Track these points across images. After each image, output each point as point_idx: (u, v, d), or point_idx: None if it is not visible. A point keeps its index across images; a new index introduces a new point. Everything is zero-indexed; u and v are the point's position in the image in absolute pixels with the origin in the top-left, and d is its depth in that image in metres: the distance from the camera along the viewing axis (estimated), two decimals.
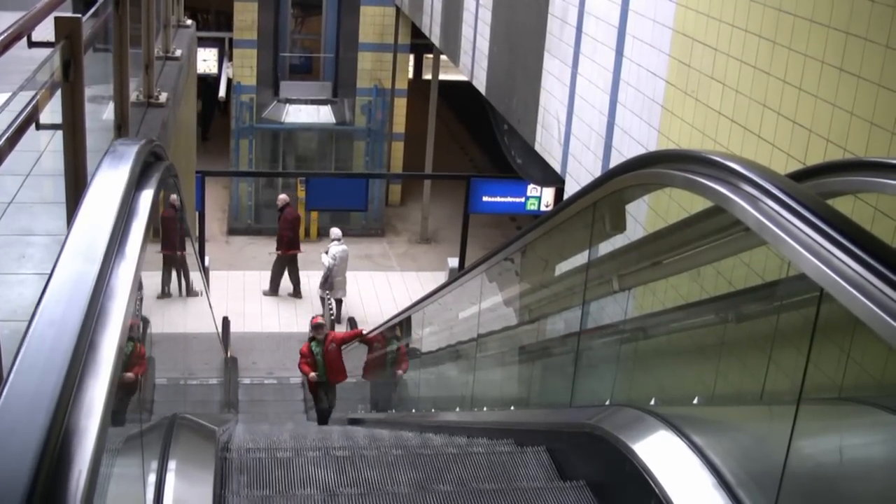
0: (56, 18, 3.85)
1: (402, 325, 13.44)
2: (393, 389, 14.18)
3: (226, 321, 18.14)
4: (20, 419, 1.66)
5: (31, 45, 3.70)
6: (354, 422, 12.83)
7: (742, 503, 3.29)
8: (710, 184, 3.52)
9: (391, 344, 14.27)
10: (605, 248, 5.75)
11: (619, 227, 5.26)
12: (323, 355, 14.68)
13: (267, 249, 24.14)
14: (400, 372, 13.80)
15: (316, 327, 14.81)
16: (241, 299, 21.15)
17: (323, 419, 14.91)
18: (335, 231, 20.62)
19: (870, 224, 4.19)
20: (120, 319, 2.18)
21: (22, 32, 3.53)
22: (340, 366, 14.85)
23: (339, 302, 20.41)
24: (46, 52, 3.85)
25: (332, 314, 19.77)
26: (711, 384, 4.70)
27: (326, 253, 20.06)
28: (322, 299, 20.23)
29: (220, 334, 15.65)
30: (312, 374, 14.65)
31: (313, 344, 14.76)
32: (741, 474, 3.42)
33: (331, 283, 20.04)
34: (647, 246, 5.52)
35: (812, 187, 3.96)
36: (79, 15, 3.98)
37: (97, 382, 1.89)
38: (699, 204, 4.33)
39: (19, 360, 1.81)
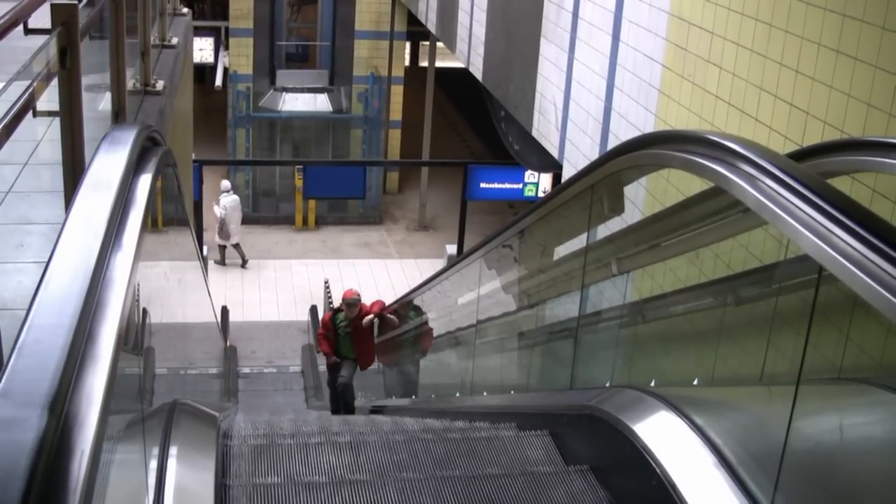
0: (52, 5, 3.84)
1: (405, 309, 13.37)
2: (415, 372, 12.77)
3: (224, 310, 18.14)
4: (20, 406, 1.65)
5: (28, 31, 3.69)
6: (376, 410, 11.65)
7: (743, 482, 3.30)
8: (709, 164, 3.51)
9: (410, 320, 12.87)
10: (606, 231, 5.75)
11: (618, 209, 5.26)
12: (352, 332, 12.17)
13: (265, 238, 24.20)
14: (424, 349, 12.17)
15: (350, 304, 12.16)
16: (240, 288, 21.17)
17: (338, 404, 12.50)
18: (225, 183, 22.18)
19: (868, 204, 4.19)
20: (118, 309, 2.17)
21: (18, 19, 3.52)
22: (370, 344, 12.51)
23: (236, 246, 22.24)
24: (43, 41, 3.85)
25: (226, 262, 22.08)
26: (711, 366, 4.70)
27: (217, 204, 21.52)
28: (220, 247, 22.24)
29: (220, 324, 15.66)
30: (334, 359, 12.28)
31: (340, 316, 12.30)
32: (742, 453, 3.43)
33: (226, 231, 21.81)
34: (645, 229, 5.52)
35: (811, 167, 3.96)
36: (75, 1, 3.97)
37: (96, 371, 1.89)
38: (696, 186, 4.33)
39: (18, 349, 1.81)
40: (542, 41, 11.79)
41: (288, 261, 23.01)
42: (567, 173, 10.75)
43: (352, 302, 12.14)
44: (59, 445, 1.62)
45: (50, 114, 3.93)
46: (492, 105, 15.69)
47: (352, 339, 12.20)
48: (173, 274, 6.76)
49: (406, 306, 12.73)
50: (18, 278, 4.64)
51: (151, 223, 4.07)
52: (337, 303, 13.36)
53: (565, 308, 6.63)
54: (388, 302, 13.16)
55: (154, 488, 3.29)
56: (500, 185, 20.92)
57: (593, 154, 9.81)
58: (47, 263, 2.17)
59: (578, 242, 5.90)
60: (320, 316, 18.74)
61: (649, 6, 8.53)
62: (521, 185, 20.86)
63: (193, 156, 16.36)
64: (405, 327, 12.85)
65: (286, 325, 19.71)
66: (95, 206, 2.57)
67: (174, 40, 8.88)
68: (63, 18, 3.85)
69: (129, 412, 2.94)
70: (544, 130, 11.74)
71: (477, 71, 15.17)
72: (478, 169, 20.98)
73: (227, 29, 26.24)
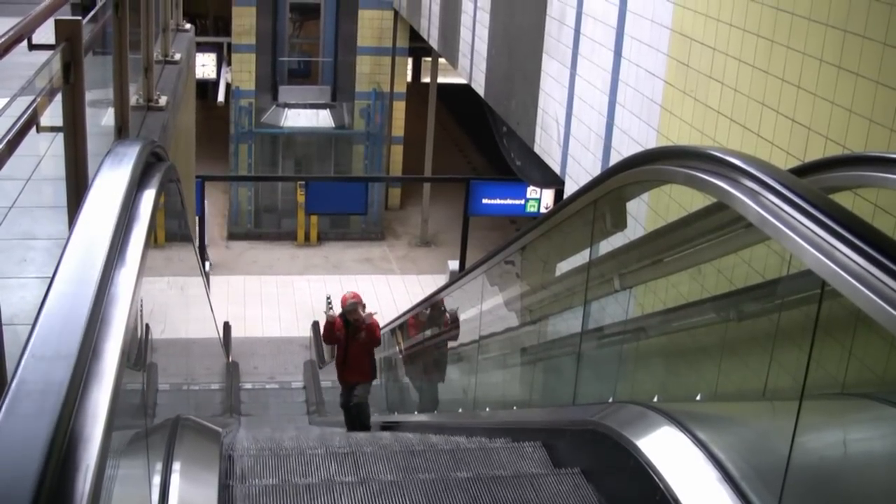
0: (56, 21, 3.86)
1: (402, 327, 13.34)
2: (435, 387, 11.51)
3: (227, 326, 18.14)
4: (27, 422, 1.66)
5: (32, 47, 3.70)
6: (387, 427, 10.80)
7: (746, 497, 3.30)
8: (711, 179, 3.52)
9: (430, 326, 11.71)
10: (609, 247, 5.76)
11: (620, 224, 5.26)
12: (347, 343, 11.35)
13: (268, 254, 24.19)
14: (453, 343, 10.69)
15: (349, 309, 11.22)
16: (242, 304, 21.17)
17: (353, 425, 11.55)
18: None
19: (869, 219, 4.20)
20: (122, 326, 2.18)
21: (22, 35, 3.53)
22: (363, 362, 11.45)
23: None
24: (46, 57, 3.86)
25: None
26: (714, 382, 4.70)
27: None
28: None
29: (222, 339, 15.65)
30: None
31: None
32: (745, 469, 3.43)
33: None
34: (647, 245, 5.53)
35: (812, 183, 3.97)
36: (79, 17, 3.99)
37: (101, 388, 1.89)
38: (699, 202, 4.34)
39: (23, 365, 1.81)
40: (544, 57, 11.81)
41: (290, 277, 23.03)
42: (569, 189, 10.75)
43: (349, 308, 11.23)
44: (65, 460, 1.63)
45: (53, 129, 3.94)
46: (493, 121, 15.70)
47: (346, 349, 11.41)
48: (175, 289, 6.76)
49: (438, 309, 11.32)
50: (21, 293, 4.64)
51: (155, 240, 4.08)
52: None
53: (567, 324, 6.63)
54: (386, 313, 12.57)
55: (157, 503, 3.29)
56: (502, 201, 20.93)
57: (595, 170, 9.82)
58: (51, 279, 2.17)
59: (581, 258, 5.90)
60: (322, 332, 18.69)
61: (651, 22, 8.55)
62: (523, 201, 20.87)
63: (196, 171, 16.39)
64: (433, 332, 11.78)
65: (288, 341, 19.70)
66: (99, 221, 2.58)
67: (177, 56, 8.90)
68: (67, 34, 3.87)
69: (132, 428, 2.94)
70: (546, 146, 11.75)
71: (479, 87, 15.19)
72: (480, 185, 21.00)
73: (229, 45, 26.32)
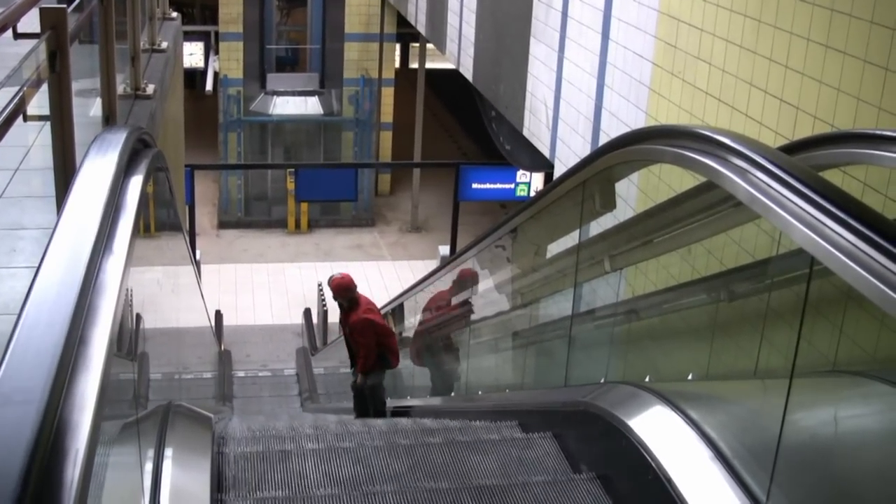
0: (41, 9, 3.84)
1: (394, 312, 13.31)
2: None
3: (218, 315, 18.12)
4: (14, 409, 1.65)
5: (17, 36, 3.68)
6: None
7: (739, 475, 3.30)
8: (700, 158, 3.52)
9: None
10: (599, 229, 5.76)
11: (609, 205, 5.26)
12: (345, 329, 10.74)
13: (258, 242, 24.16)
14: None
15: (338, 290, 10.88)
16: (233, 292, 21.16)
17: (364, 409, 10.69)
18: None
19: (858, 197, 4.20)
20: (110, 314, 2.17)
21: (7, 24, 3.51)
22: (365, 351, 10.40)
23: None
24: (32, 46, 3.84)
25: None
26: (706, 361, 4.71)
27: None
28: None
29: (214, 328, 15.64)
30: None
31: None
32: (737, 447, 3.43)
33: None
34: (637, 226, 5.53)
35: (801, 161, 3.97)
36: (64, 6, 3.97)
37: (89, 376, 1.88)
38: (687, 182, 4.34)
39: (10, 353, 1.80)
40: (532, 41, 11.80)
41: (281, 264, 23.02)
42: (559, 172, 10.74)
43: (338, 287, 10.88)
44: (53, 447, 1.62)
45: (41, 118, 3.93)
46: (482, 105, 15.68)
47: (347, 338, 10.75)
48: (167, 279, 6.75)
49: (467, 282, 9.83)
50: (11, 283, 4.64)
51: (145, 228, 4.07)
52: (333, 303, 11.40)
53: (559, 306, 6.63)
54: (378, 299, 11.77)
55: (150, 490, 3.29)
56: (492, 186, 20.91)
57: (585, 152, 9.81)
58: (38, 268, 2.16)
59: (571, 240, 5.90)
60: (314, 319, 18.73)
61: (638, 4, 8.54)
62: (512, 185, 20.85)
63: (185, 160, 16.35)
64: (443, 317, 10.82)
65: (280, 329, 19.70)
66: (86, 209, 2.56)
67: (164, 45, 8.88)
68: (52, 23, 3.85)
69: (123, 416, 2.93)
70: (535, 130, 11.74)
71: (467, 71, 15.17)
72: (469, 169, 20.97)
73: (216, 33, 26.25)
